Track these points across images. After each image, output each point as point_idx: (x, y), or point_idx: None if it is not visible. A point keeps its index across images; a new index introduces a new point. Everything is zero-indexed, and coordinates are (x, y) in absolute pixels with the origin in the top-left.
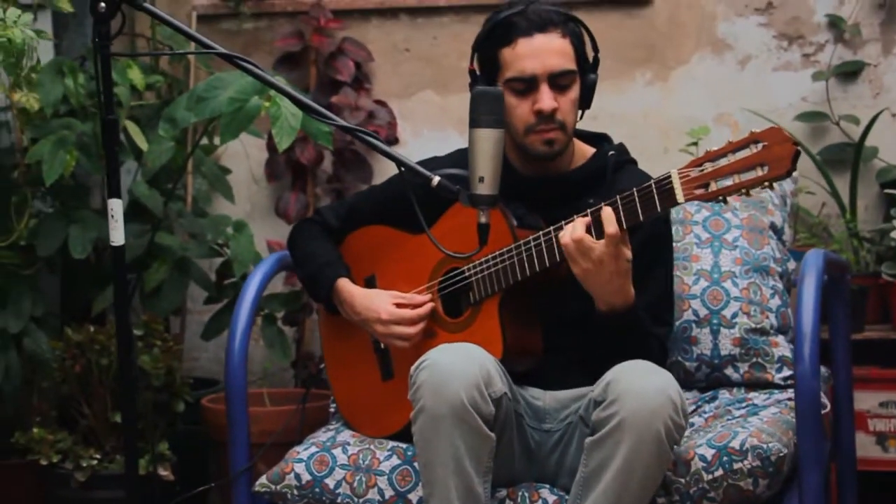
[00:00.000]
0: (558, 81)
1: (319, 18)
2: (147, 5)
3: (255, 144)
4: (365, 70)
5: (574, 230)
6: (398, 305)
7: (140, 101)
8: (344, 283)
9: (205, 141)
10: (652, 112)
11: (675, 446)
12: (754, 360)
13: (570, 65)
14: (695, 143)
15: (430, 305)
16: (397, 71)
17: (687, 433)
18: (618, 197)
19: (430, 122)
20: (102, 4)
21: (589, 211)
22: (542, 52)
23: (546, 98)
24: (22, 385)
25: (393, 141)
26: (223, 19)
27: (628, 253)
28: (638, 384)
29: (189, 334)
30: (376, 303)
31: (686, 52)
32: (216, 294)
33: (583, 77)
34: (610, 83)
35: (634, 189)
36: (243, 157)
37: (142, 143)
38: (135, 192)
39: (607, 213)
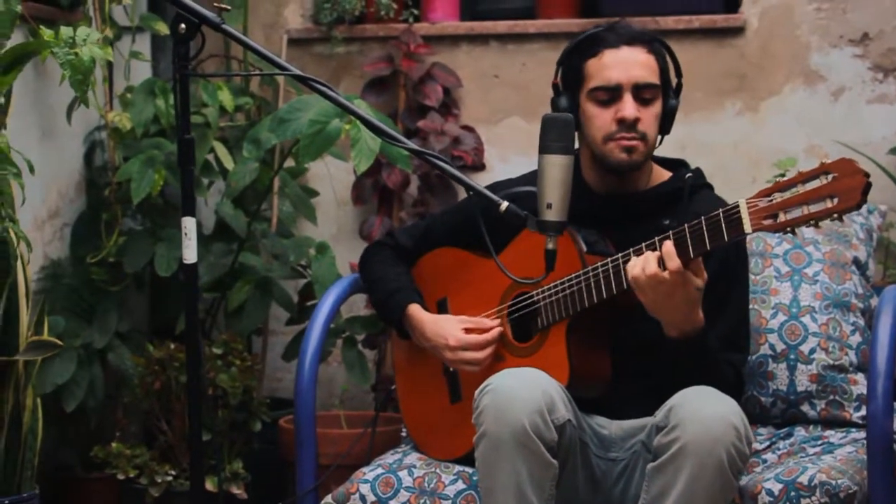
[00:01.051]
0: (642, 94)
1: (409, 44)
2: (225, 26)
3: (342, 167)
4: (453, 95)
5: (644, 264)
6: (467, 331)
7: (230, 122)
8: (414, 310)
9: (291, 163)
10: (741, 142)
11: (739, 475)
12: (832, 397)
13: (655, 79)
14: (782, 175)
15: (498, 330)
16: (486, 97)
17: (759, 469)
18: (686, 226)
19: (517, 148)
20: (183, 26)
21: (657, 239)
22: (628, 62)
23: (629, 106)
24: (105, 400)
25: (479, 166)
26: (315, 43)
27: (698, 281)
28: (700, 410)
29: (273, 355)
30: (445, 329)
31: (778, 82)
32: (298, 315)
33: (665, 99)
34: (700, 113)
35: (702, 218)
36: (331, 179)
37: (228, 164)
38: (220, 211)
39: (668, 248)
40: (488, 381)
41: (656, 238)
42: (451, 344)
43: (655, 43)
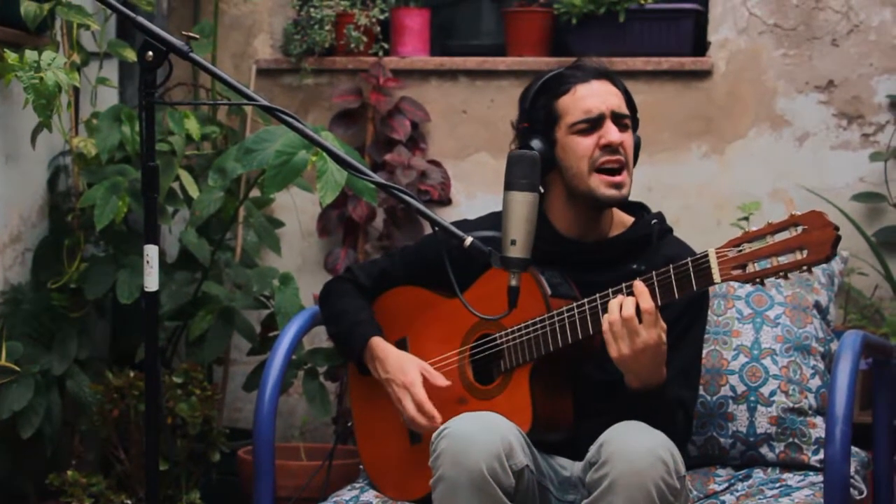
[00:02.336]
0: (621, 121)
1: (379, 77)
2: (193, 55)
3: (308, 199)
4: (421, 130)
5: (623, 308)
6: (426, 376)
7: (197, 150)
8: (377, 342)
9: (257, 193)
10: (707, 185)
11: None
12: (791, 440)
13: (627, 110)
14: (746, 218)
15: (436, 418)
16: (453, 132)
17: None
18: (654, 273)
19: (484, 185)
20: (150, 53)
21: (623, 286)
22: (603, 93)
23: (613, 131)
24: (62, 427)
25: (446, 201)
26: (284, 74)
27: (664, 335)
28: (628, 445)
29: (234, 385)
30: (407, 366)
31: (744, 126)
32: (259, 346)
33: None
34: (666, 154)
35: (671, 267)
36: (296, 210)
37: (193, 192)
38: (184, 240)
39: (640, 288)
40: (446, 425)
41: (623, 284)
42: (407, 383)
43: (617, 79)
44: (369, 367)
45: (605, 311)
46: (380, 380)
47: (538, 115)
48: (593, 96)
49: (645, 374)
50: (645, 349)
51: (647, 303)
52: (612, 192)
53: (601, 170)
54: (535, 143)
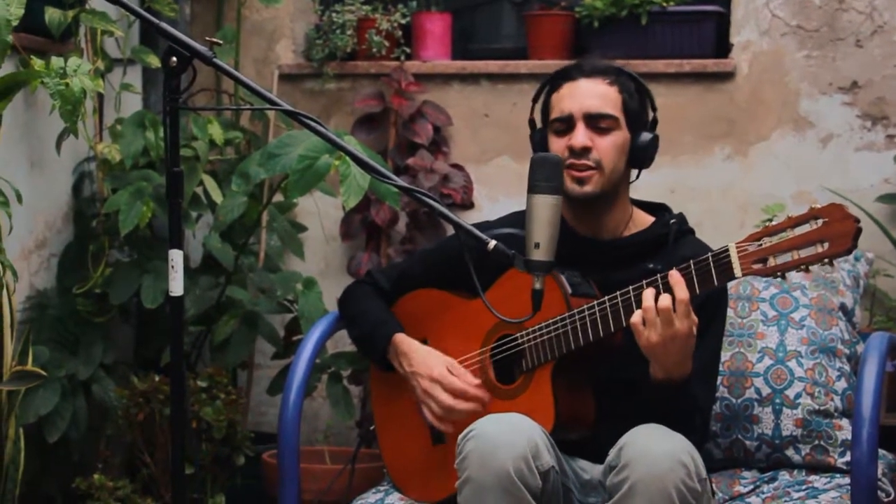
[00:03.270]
0: (597, 123)
1: (401, 81)
2: (216, 61)
3: (331, 203)
4: (443, 133)
5: (660, 298)
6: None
7: (220, 155)
8: (402, 338)
9: (280, 198)
10: (730, 187)
11: None
12: (816, 442)
13: (611, 110)
14: (770, 220)
15: (479, 395)
16: (476, 136)
17: None
18: (675, 269)
19: (506, 188)
20: (174, 59)
21: (644, 283)
22: (581, 93)
23: (579, 135)
24: (88, 431)
25: (468, 205)
26: (306, 79)
27: (695, 329)
28: (649, 448)
29: (258, 389)
30: (433, 360)
31: (767, 128)
32: (283, 350)
33: (633, 132)
34: (689, 157)
35: (692, 262)
36: (319, 215)
37: (217, 197)
38: (207, 245)
39: (676, 278)
40: (472, 427)
41: (644, 282)
42: (435, 375)
43: (622, 76)
44: (394, 363)
45: (625, 308)
46: (405, 374)
47: (542, 109)
48: (571, 97)
49: (672, 364)
50: (675, 338)
51: (682, 293)
52: (573, 187)
53: (568, 167)
54: (536, 137)
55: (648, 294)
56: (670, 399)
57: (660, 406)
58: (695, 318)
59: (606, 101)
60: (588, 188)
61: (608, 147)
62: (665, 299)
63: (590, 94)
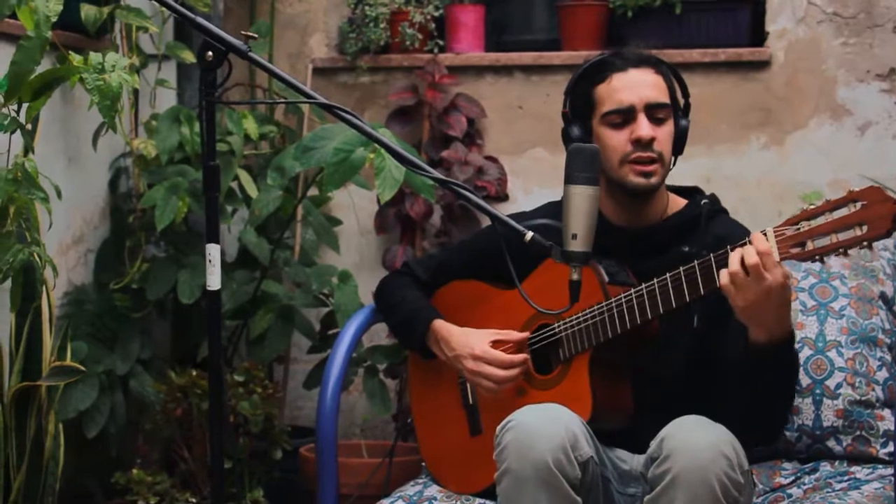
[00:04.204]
0: (655, 114)
1: (434, 74)
2: (252, 55)
3: (366, 196)
4: (477, 126)
5: (746, 256)
6: (495, 344)
7: (255, 150)
8: (441, 323)
9: (314, 191)
10: (766, 176)
11: (735, 503)
12: (858, 433)
13: (665, 99)
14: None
15: (524, 357)
16: (509, 128)
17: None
18: (711, 255)
19: (540, 180)
20: (210, 53)
21: (682, 269)
22: (638, 84)
23: (644, 126)
24: (126, 426)
25: (503, 197)
26: (340, 72)
27: (794, 279)
28: (690, 439)
29: (294, 384)
30: (473, 339)
31: (803, 116)
32: (320, 344)
33: (675, 119)
34: (725, 146)
35: (728, 247)
36: (354, 208)
37: (252, 192)
38: (243, 239)
39: (758, 236)
40: (510, 418)
41: (682, 268)
42: (477, 352)
43: (661, 65)
44: (434, 349)
45: (663, 295)
46: (447, 360)
47: (578, 101)
48: (627, 88)
49: (772, 321)
50: (770, 292)
51: (762, 245)
52: (640, 180)
53: (632, 161)
54: (574, 131)
55: (733, 257)
56: (777, 360)
57: (766, 368)
58: (787, 271)
59: (661, 90)
60: (654, 180)
61: (666, 137)
62: (751, 257)
63: (646, 85)
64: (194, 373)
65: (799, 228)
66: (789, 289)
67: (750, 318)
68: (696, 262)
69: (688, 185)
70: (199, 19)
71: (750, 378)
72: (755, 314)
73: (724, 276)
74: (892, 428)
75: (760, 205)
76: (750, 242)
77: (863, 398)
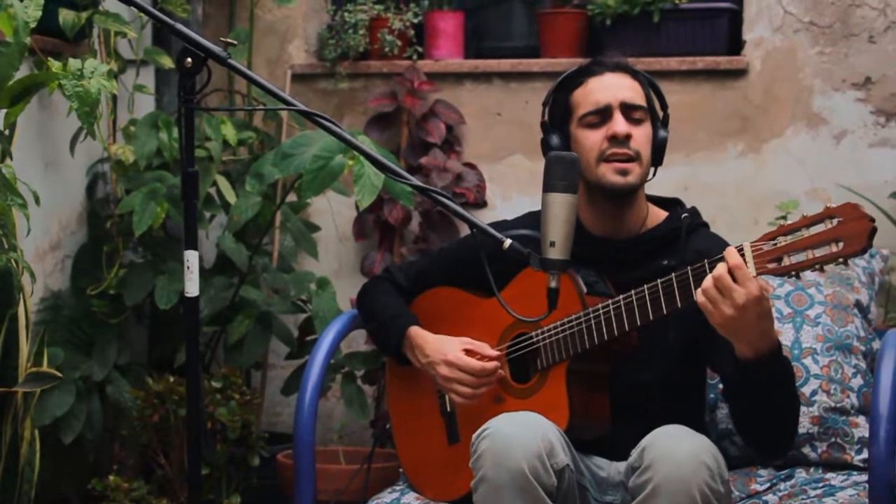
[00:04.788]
0: (631, 114)
1: (413, 80)
2: (231, 61)
3: (344, 203)
4: (456, 133)
5: (714, 271)
6: (468, 353)
7: (233, 156)
8: (417, 330)
9: (293, 198)
10: (744, 184)
11: None
12: (833, 439)
13: (642, 101)
14: (783, 217)
15: (496, 365)
16: (488, 134)
17: None
18: (689, 268)
19: (519, 187)
20: (189, 60)
21: (659, 282)
22: (614, 85)
23: (620, 122)
24: (103, 432)
25: (482, 204)
26: (319, 79)
27: (770, 289)
28: (672, 449)
29: (272, 389)
30: (447, 346)
31: (780, 124)
32: (297, 350)
33: (654, 127)
34: (703, 154)
35: (706, 261)
36: (332, 214)
37: (230, 198)
38: (221, 245)
39: (730, 251)
40: (487, 426)
41: (659, 281)
42: (450, 359)
43: (639, 74)
44: (409, 356)
45: (640, 308)
46: (421, 366)
47: (556, 110)
48: (603, 89)
49: (754, 335)
50: (746, 304)
51: (734, 260)
52: (616, 179)
53: (608, 159)
54: (553, 140)
55: (708, 276)
56: (769, 374)
57: (760, 385)
58: (764, 284)
59: (637, 93)
60: (631, 179)
61: (644, 137)
62: (718, 269)
63: (622, 86)
64: (171, 379)
65: (776, 244)
66: (768, 300)
67: (731, 333)
68: (674, 275)
69: (668, 197)
70: (179, 25)
71: (746, 394)
72: (736, 329)
73: (699, 294)
74: (867, 435)
75: (737, 213)
76: (660, 290)
77: (838, 405)
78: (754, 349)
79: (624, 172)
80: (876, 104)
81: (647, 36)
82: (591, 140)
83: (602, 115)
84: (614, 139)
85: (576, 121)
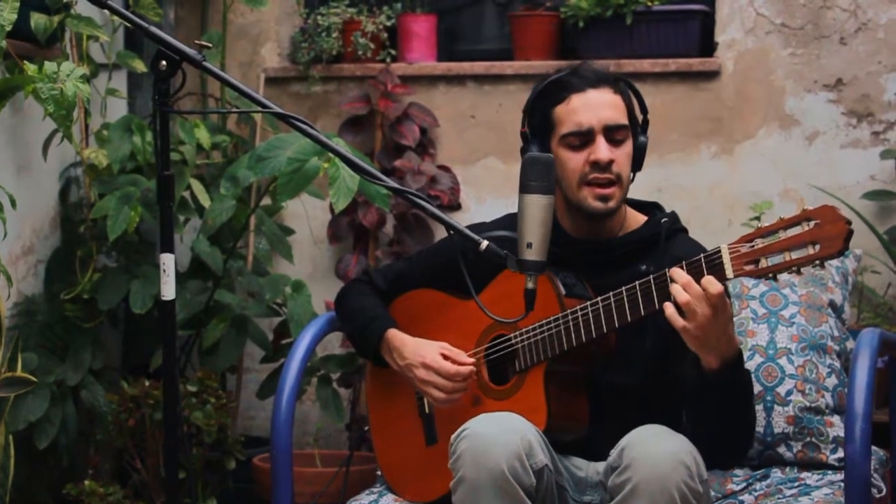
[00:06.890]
0: (613, 135)
1: (387, 83)
2: (205, 64)
3: (319, 206)
4: (430, 135)
5: (686, 284)
6: (445, 356)
7: (207, 159)
8: (395, 333)
9: (268, 201)
10: (717, 185)
11: None
12: (808, 439)
13: (623, 119)
14: (757, 218)
15: (470, 369)
16: (462, 137)
17: None
18: (667, 270)
19: (493, 189)
20: (164, 63)
21: (637, 283)
22: (596, 105)
23: (602, 149)
24: (78, 437)
25: (455, 206)
26: (292, 82)
27: (728, 301)
28: (650, 449)
29: (247, 393)
30: (425, 350)
31: (753, 126)
32: (273, 353)
33: (634, 137)
34: (676, 155)
35: (684, 263)
36: (307, 217)
37: (205, 201)
38: (196, 249)
39: (676, 271)
40: (465, 426)
41: (637, 283)
42: (427, 362)
43: (620, 83)
44: (387, 359)
45: (618, 310)
46: (399, 369)
47: (536, 121)
48: (586, 109)
49: (723, 341)
50: (717, 309)
51: (682, 278)
52: (597, 205)
53: (589, 182)
54: (533, 151)
55: (675, 288)
56: (734, 382)
57: (727, 393)
58: (720, 287)
59: (619, 110)
60: (612, 204)
61: (625, 159)
62: (683, 277)
63: (604, 106)
64: (147, 383)
65: (753, 246)
66: (729, 310)
67: (702, 345)
68: (651, 277)
69: (647, 201)
70: (153, 28)
71: (709, 405)
72: (706, 338)
73: (667, 308)
74: (842, 434)
75: (711, 214)
76: (638, 292)
77: (813, 405)
78: (721, 357)
79: (605, 199)
80: (847, 105)
81: (619, 38)
82: (574, 163)
83: (584, 137)
84: (596, 165)
85: (557, 138)
